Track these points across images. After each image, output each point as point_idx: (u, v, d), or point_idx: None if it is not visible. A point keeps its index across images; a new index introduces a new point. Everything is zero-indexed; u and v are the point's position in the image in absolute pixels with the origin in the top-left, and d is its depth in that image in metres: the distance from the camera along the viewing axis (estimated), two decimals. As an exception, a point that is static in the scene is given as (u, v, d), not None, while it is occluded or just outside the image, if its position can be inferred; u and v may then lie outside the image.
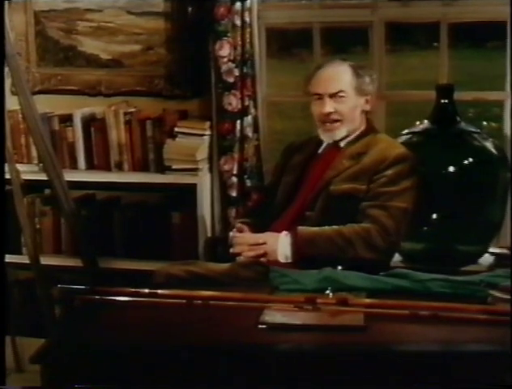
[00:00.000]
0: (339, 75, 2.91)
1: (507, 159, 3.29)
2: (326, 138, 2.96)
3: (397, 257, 3.12)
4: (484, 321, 2.14)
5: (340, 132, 2.92)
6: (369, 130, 2.97)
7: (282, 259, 2.76)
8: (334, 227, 2.75)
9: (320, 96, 2.90)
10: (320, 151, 3.01)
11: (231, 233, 2.96)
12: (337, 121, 2.90)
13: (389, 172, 2.81)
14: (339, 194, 2.83)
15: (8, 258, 2.76)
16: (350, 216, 2.78)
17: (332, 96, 2.88)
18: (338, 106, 2.89)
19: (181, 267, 2.84)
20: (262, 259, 2.77)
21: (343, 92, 2.88)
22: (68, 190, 3.45)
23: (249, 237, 2.84)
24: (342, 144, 2.95)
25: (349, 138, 2.94)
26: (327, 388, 2.00)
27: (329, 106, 2.88)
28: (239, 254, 2.84)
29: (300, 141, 3.14)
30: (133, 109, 3.69)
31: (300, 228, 2.78)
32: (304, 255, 2.74)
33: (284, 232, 2.79)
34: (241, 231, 2.89)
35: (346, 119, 2.91)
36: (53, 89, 3.87)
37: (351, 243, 2.72)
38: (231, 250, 2.87)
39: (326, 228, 2.76)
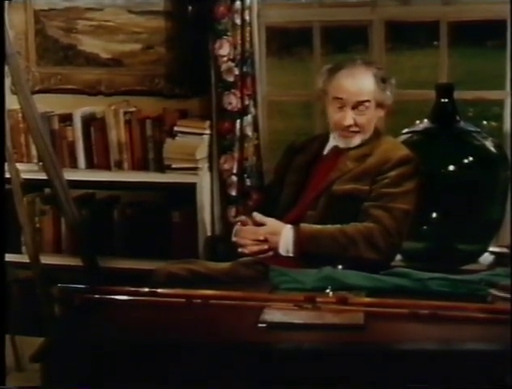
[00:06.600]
0: (365, 87, 2.85)
1: (507, 158, 3.29)
2: (340, 144, 2.93)
3: (397, 256, 3.12)
4: (484, 320, 2.15)
5: (355, 140, 2.90)
6: (375, 133, 2.96)
7: (283, 252, 2.76)
8: (338, 225, 2.75)
9: (341, 105, 2.86)
10: (325, 152, 3.00)
11: (235, 227, 2.93)
12: (355, 131, 2.89)
13: (392, 173, 2.81)
14: (341, 195, 2.83)
15: (8, 257, 2.75)
16: (352, 217, 2.78)
17: (354, 107, 2.85)
18: (358, 118, 2.86)
19: (181, 266, 2.84)
20: (265, 255, 2.77)
21: (367, 103, 2.85)
22: (68, 189, 3.46)
23: (251, 230, 2.83)
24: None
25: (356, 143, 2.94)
26: (327, 387, 2.00)
27: (350, 119, 2.85)
28: (243, 246, 2.82)
29: (303, 141, 3.13)
30: (133, 109, 3.69)
31: (303, 224, 2.78)
32: (305, 251, 2.74)
33: (289, 226, 2.78)
34: (244, 224, 2.87)
35: (363, 130, 2.90)
36: (53, 88, 3.87)
37: (353, 242, 2.72)
38: (234, 239, 2.86)
39: (329, 226, 2.76)
